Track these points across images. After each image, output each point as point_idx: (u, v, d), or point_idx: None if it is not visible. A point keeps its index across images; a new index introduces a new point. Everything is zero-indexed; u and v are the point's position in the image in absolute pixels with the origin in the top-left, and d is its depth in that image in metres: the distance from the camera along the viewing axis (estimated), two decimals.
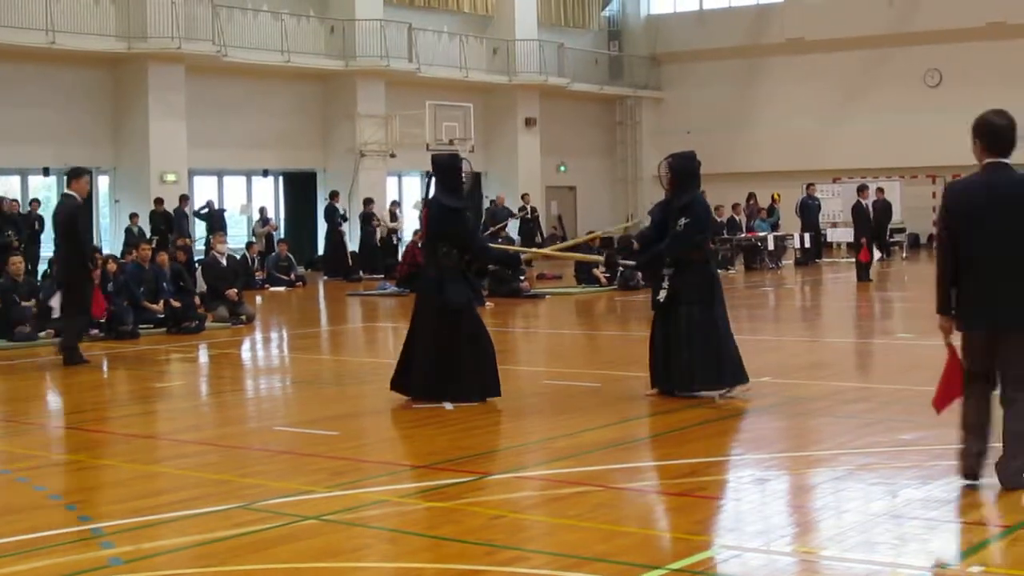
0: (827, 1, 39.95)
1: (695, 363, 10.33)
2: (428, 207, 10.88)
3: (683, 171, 10.62)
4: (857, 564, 5.82)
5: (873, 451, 8.21)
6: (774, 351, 13.92)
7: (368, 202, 30.68)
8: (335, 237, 30.08)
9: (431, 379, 10.40)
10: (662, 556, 6.05)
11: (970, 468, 7.09)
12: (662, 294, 10.53)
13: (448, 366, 10.39)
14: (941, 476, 7.45)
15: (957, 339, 7.15)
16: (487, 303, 19.37)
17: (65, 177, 14.73)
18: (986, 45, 37.41)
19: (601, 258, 12.06)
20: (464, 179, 10.79)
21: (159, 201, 27.93)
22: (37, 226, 26.41)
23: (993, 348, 7.05)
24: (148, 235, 26.47)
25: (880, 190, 30.97)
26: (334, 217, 30.23)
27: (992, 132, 7.09)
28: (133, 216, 27.87)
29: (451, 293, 10.39)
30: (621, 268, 11.42)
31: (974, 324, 7.09)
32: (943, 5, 38.00)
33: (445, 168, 10.80)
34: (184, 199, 28.71)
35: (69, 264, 14.27)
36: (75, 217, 14.14)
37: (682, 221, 10.41)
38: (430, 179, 10.97)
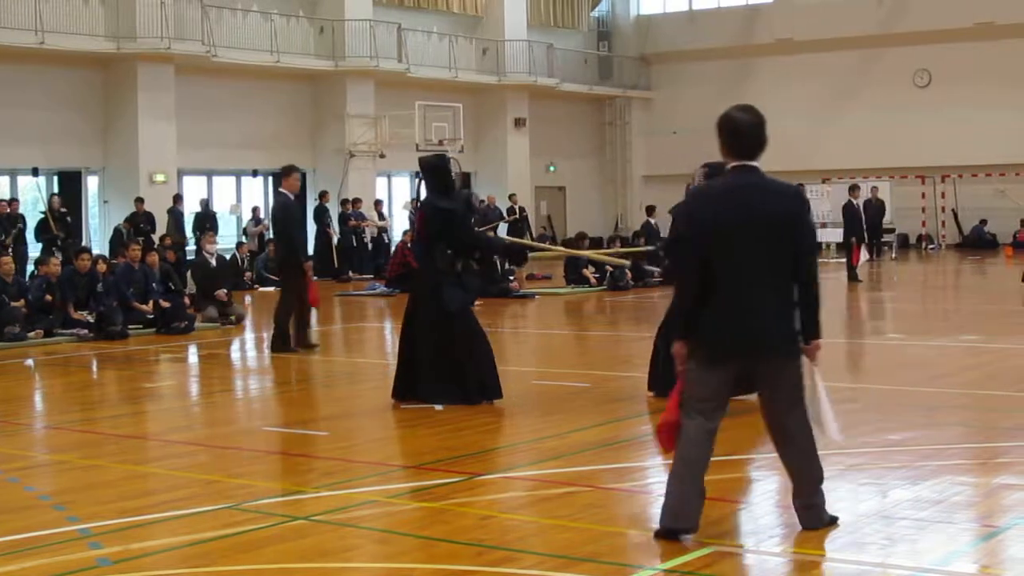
0: (817, 1, 40.00)
1: None
2: (422, 210, 10.81)
3: None
4: (847, 564, 5.84)
5: (862, 451, 8.22)
6: None
7: (346, 203, 30.58)
8: (324, 238, 30.04)
9: (439, 381, 10.35)
10: (652, 556, 6.06)
11: (684, 518, 6.12)
12: None
13: (448, 369, 10.36)
14: (930, 476, 7.48)
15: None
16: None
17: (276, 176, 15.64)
18: (975, 45, 37.45)
19: (627, 261, 12.04)
20: (454, 178, 10.77)
21: (140, 201, 27.81)
22: (20, 225, 26.21)
23: (738, 379, 6.12)
24: (131, 235, 26.29)
25: (875, 189, 31.01)
26: (323, 218, 30.19)
27: (733, 131, 5.96)
28: (128, 219, 27.73)
29: (447, 296, 10.35)
30: (648, 273, 11.40)
31: (723, 354, 6.03)
32: (932, 5, 38.06)
33: (433, 169, 10.73)
34: (178, 199, 28.63)
35: (282, 259, 15.03)
36: (284, 215, 14.71)
37: None
38: (420, 181, 10.93)
